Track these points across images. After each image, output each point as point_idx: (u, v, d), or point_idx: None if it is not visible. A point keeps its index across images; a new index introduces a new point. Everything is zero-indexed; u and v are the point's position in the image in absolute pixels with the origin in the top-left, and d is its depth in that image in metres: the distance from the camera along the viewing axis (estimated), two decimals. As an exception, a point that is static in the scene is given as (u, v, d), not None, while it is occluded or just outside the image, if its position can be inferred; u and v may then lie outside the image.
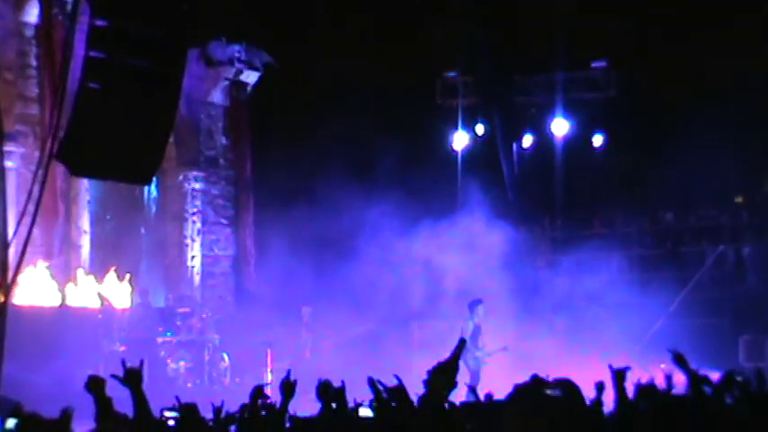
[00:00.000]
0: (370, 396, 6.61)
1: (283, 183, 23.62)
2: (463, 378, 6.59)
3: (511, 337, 19.19)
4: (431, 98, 26.71)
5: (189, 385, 20.54)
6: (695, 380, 6.22)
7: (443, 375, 5.31)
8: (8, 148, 20.41)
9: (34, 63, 21.01)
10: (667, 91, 24.30)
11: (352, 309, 21.15)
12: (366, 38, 24.60)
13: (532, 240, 24.26)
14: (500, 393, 5.86)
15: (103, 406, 6.17)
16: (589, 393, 6.19)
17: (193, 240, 25.21)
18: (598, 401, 6.25)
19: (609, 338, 20.36)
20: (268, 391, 7.34)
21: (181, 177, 25.03)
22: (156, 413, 6.52)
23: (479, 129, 26.74)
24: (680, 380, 6.51)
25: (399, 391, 6.23)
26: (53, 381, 16.42)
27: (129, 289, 21.77)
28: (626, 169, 25.31)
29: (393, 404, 6.24)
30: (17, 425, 6.37)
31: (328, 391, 6.56)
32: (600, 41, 24.98)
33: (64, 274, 20.90)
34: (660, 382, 6.64)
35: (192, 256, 25.15)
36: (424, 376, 5.37)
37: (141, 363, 6.33)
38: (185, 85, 11.08)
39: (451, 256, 21.57)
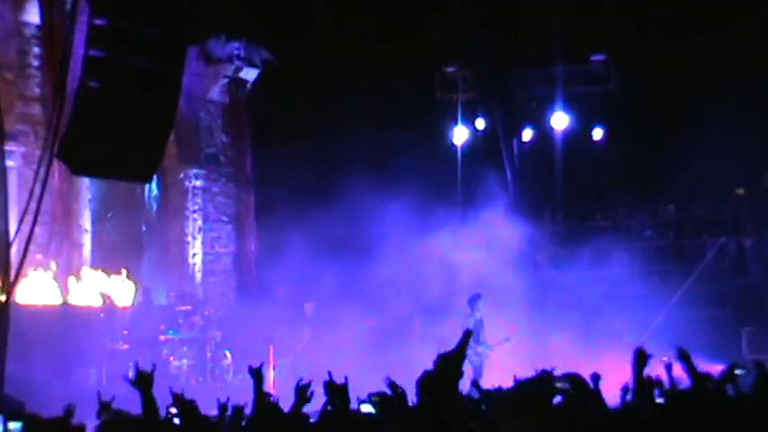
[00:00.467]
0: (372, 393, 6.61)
1: (284, 179, 23.61)
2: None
3: (513, 331, 19.17)
4: (430, 93, 26.67)
5: (192, 383, 20.56)
6: (697, 378, 6.23)
7: (450, 364, 5.32)
8: (9, 147, 20.47)
9: (34, 62, 21.01)
10: (667, 83, 24.28)
11: (354, 304, 21.16)
12: (366, 35, 24.58)
13: (534, 234, 24.21)
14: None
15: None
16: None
17: (194, 238, 25.21)
18: (596, 392, 6.23)
19: (612, 331, 20.37)
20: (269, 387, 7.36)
21: (181, 175, 25.04)
22: (161, 412, 6.57)
23: (479, 123, 26.72)
24: (680, 371, 6.51)
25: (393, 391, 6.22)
26: (56, 379, 16.46)
27: (131, 287, 21.80)
28: (626, 162, 25.30)
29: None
30: (21, 428, 6.40)
31: (334, 389, 6.57)
32: (599, 35, 24.96)
33: (66, 273, 20.92)
34: (662, 375, 6.63)
35: (194, 254, 25.15)
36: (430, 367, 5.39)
37: (154, 367, 6.43)
38: (185, 82, 11.09)
39: (456, 251, 21.60)
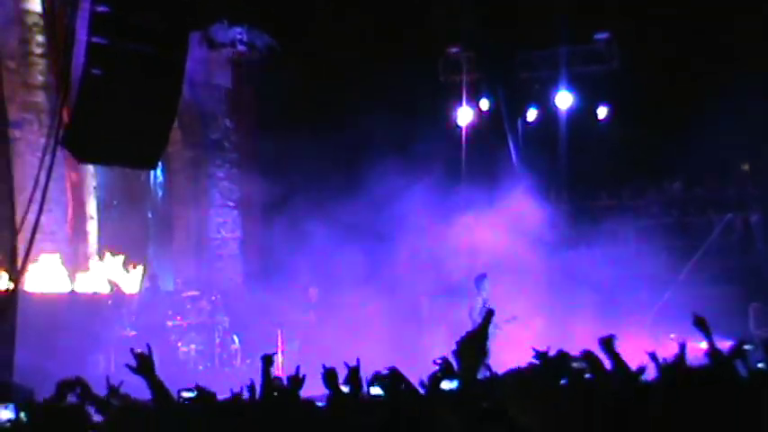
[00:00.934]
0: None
1: (290, 164, 23.60)
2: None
3: (519, 310, 19.13)
4: (434, 75, 26.60)
5: (200, 368, 20.62)
6: (713, 347, 6.20)
7: (474, 344, 5.31)
8: (13, 135, 20.51)
9: (37, 50, 20.98)
10: (671, 60, 24.22)
11: (360, 288, 21.15)
12: (368, 21, 24.52)
13: (543, 214, 24.16)
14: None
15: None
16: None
17: (200, 223, 25.22)
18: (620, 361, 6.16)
19: (625, 309, 20.34)
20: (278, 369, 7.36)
21: (186, 161, 25.04)
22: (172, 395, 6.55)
23: (483, 104, 26.68)
24: (694, 349, 6.48)
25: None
26: (65, 367, 16.48)
27: (138, 273, 21.83)
28: (631, 140, 25.23)
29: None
30: (27, 416, 6.40)
31: (335, 379, 6.53)
32: (601, 13, 24.88)
33: (72, 261, 20.95)
34: (672, 354, 6.60)
35: (200, 239, 25.17)
36: (453, 347, 5.37)
37: (149, 348, 6.35)
38: (187, 68, 11.08)
39: (461, 231, 21.58)
